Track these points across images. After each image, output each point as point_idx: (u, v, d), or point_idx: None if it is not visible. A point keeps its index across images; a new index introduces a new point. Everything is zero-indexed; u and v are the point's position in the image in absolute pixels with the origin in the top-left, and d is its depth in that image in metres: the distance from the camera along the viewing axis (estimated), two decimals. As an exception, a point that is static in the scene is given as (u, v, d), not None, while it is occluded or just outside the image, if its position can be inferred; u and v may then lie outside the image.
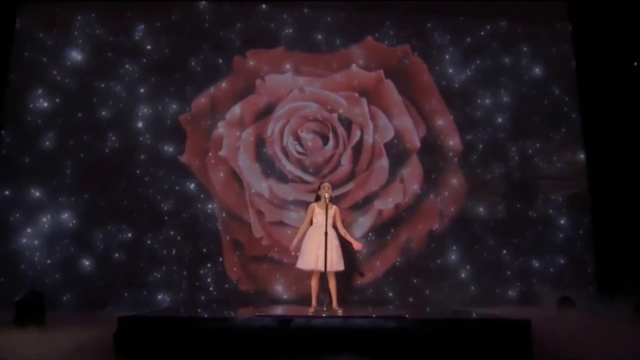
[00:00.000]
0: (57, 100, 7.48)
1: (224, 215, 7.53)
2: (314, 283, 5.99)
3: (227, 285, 7.33)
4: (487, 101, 7.99)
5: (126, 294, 7.08)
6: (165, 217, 7.41)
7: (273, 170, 7.65)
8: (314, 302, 5.94)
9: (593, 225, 7.55)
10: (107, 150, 7.45)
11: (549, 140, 7.94)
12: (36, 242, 7.09)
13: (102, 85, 7.59)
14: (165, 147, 7.58)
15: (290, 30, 7.99)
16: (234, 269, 7.40)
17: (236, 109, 7.75)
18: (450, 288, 7.47)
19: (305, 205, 7.52)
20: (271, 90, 7.85)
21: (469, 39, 8.11)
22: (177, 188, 7.51)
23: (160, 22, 7.81)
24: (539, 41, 8.13)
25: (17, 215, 7.12)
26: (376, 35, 8.06)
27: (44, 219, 7.19)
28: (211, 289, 7.29)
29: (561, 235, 7.67)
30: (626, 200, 7.20)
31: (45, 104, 7.47)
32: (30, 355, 4.11)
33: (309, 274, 7.31)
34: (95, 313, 6.41)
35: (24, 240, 7.07)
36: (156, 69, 7.71)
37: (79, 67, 7.60)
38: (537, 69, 8.07)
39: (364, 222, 7.63)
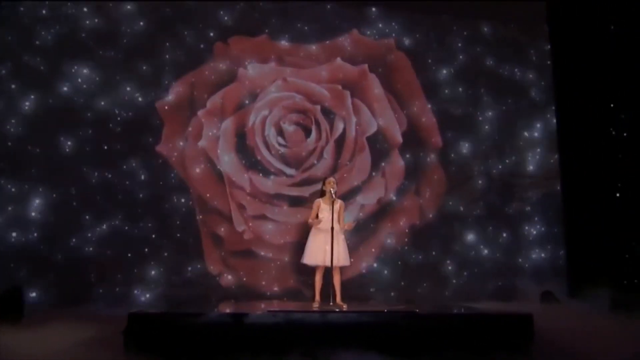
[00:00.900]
0: (25, 84, 6.96)
1: (203, 208, 7.27)
2: (318, 278, 5.96)
3: (207, 281, 7.11)
4: (468, 99, 8.08)
5: (100, 290, 6.73)
6: (141, 210, 7.07)
7: (254, 162, 7.45)
8: (317, 297, 5.92)
9: (565, 222, 7.82)
10: (79, 139, 7.02)
11: (526, 140, 8.15)
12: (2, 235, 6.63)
13: (74, 70, 7.12)
14: (141, 136, 7.22)
15: (274, 20, 7.77)
16: (215, 263, 7.18)
17: (217, 98, 7.48)
18: (430, 283, 7.56)
19: (287, 199, 7.47)
20: (253, 80, 7.62)
21: (451, 37, 8.15)
22: (154, 179, 7.18)
23: (138, 2, 7.38)
24: (518, 42, 8.28)
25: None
26: (362, 28, 7.97)
27: (9, 208, 6.71)
28: (191, 284, 7.04)
29: (535, 232, 7.92)
30: (598, 199, 7.50)
31: (13, 86, 6.92)
32: (37, 354, 3.94)
33: (291, 268, 7.31)
34: (70, 310, 6.10)
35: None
36: (132, 53, 7.30)
37: (49, 49, 7.08)
38: (516, 70, 8.23)
39: (346, 217, 7.56)
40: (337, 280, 5.79)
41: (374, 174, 7.71)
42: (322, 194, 6.02)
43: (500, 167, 8.05)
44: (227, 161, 7.37)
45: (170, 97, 7.35)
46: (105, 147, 7.07)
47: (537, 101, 8.22)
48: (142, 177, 7.14)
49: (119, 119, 7.17)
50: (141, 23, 7.38)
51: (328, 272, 5.95)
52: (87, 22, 7.24)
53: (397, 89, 7.94)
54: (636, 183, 7.19)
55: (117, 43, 7.28)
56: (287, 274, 7.33)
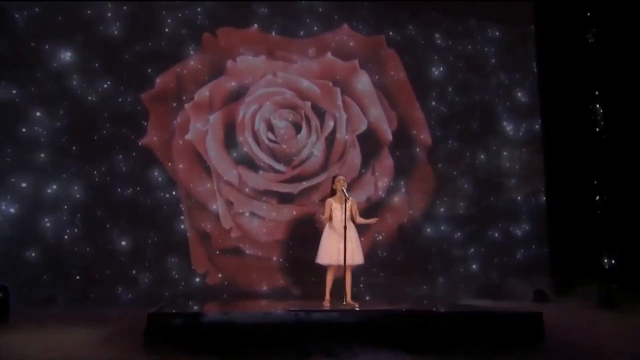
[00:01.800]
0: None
1: (189, 204, 7.01)
2: (330, 277, 5.84)
3: (193, 279, 6.87)
4: (457, 98, 8.10)
5: (81, 289, 6.39)
6: (124, 205, 6.75)
7: (243, 157, 7.24)
8: (327, 296, 5.80)
9: (550, 221, 7.95)
10: (57, 130, 6.65)
11: (511, 140, 8.23)
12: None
13: (54, 57, 6.72)
14: (124, 128, 6.89)
15: (265, 10, 7.56)
16: (201, 262, 6.93)
17: (205, 91, 7.23)
18: (419, 282, 7.54)
19: (277, 195, 7.30)
20: (243, 73, 7.41)
21: (441, 35, 8.13)
22: (138, 173, 6.87)
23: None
24: (505, 43, 8.35)
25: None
26: (353, 23, 7.86)
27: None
28: (176, 283, 6.78)
29: (520, 231, 8.01)
30: (581, 198, 7.66)
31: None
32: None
33: (279, 267, 7.16)
34: (52, 309, 5.81)
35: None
36: (117, 41, 6.95)
37: (27, 35, 6.67)
38: (503, 70, 8.30)
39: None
40: (348, 279, 5.70)
41: (363, 171, 7.63)
42: (332, 193, 5.89)
43: (486, 166, 8.10)
44: (215, 156, 7.14)
45: (156, 87, 7.05)
46: (85, 140, 6.71)
47: (523, 102, 8.31)
48: (125, 170, 6.81)
49: (100, 109, 6.81)
50: (125, 8, 7.03)
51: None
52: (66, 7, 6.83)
53: (387, 86, 7.88)
54: (619, 183, 7.36)
55: (98, 30, 6.91)
56: (276, 272, 7.16)
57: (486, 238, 7.89)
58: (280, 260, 7.18)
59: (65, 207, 6.55)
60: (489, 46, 8.29)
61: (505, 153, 8.18)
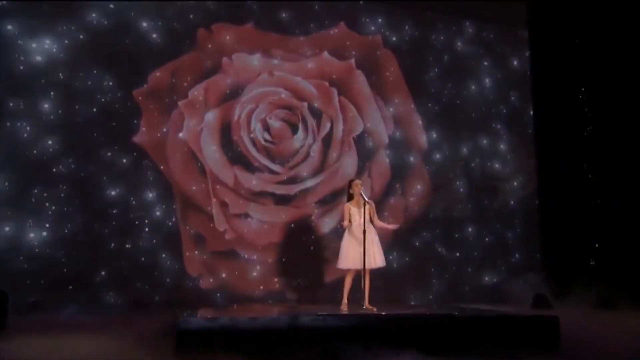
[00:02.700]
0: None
1: (183, 205, 6.78)
2: (348, 281, 5.76)
3: (186, 283, 6.64)
4: (451, 101, 8.09)
5: (67, 294, 6.07)
6: (114, 206, 6.47)
7: (239, 157, 7.04)
8: (345, 299, 5.73)
9: (543, 225, 8.01)
10: (41, 126, 6.31)
11: (506, 143, 8.27)
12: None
13: (38, 49, 6.38)
14: (115, 124, 6.61)
15: (261, 8, 7.38)
16: (194, 264, 6.70)
17: (199, 88, 7.01)
18: (414, 285, 7.49)
19: (273, 197, 7.13)
20: (238, 71, 7.21)
21: (436, 36, 8.11)
22: (129, 172, 6.60)
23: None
24: (499, 46, 8.39)
25: None
26: (350, 22, 7.75)
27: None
28: (168, 287, 6.53)
29: (514, 234, 8.05)
30: (574, 201, 7.73)
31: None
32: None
33: (274, 270, 6.99)
34: (35, 316, 5.48)
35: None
36: (107, 35, 6.65)
37: (10, 28, 6.29)
38: (497, 74, 8.33)
39: (331, 218, 7.34)
40: (367, 284, 5.61)
41: (360, 174, 7.52)
42: (349, 197, 5.77)
43: (481, 169, 8.11)
44: (211, 155, 6.93)
45: (150, 84, 6.79)
46: (73, 136, 6.40)
47: (516, 105, 8.35)
48: (116, 169, 6.53)
49: (91, 105, 6.51)
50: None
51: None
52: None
53: (383, 87, 7.81)
54: (613, 184, 7.45)
55: (90, 23, 6.61)
56: (271, 276, 6.99)
57: (481, 241, 7.89)
58: (276, 263, 7.00)
59: (52, 205, 6.22)
60: (483, 48, 8.30)
61: (499, 156, 8.20)
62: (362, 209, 5.56)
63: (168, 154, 6.79)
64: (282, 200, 7.14)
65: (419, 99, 7.94)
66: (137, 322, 4.93)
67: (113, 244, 6.42)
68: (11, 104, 6.21)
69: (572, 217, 7.70)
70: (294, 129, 7.31)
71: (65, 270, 6.15)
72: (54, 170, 6.29)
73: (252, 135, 7.11)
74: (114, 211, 6.47)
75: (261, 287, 6.90)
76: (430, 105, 7.98)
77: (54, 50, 6.42)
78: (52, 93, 6.37)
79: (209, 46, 7.10)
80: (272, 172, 7.14)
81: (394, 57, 7.89)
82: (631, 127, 7.33)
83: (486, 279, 7.77)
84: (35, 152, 6.23)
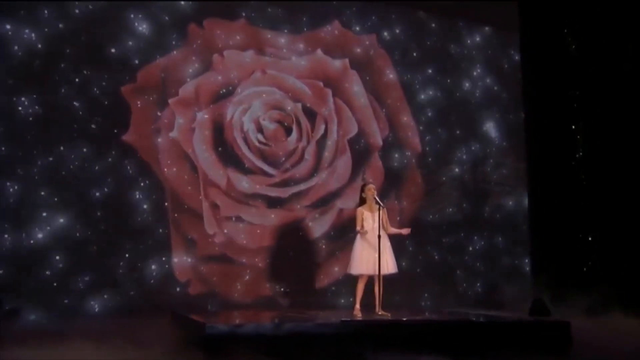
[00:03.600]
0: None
1: (172, 206, 6.52)
2: (361, 287, 5.64)
3: (174, 289, 6.39)
4: (443, 103, 8.01)
5: (51, 300, 5.76)
6: (99, 207, 6.16)
7: (232, 158, 6.81)
8: (357, 305, 5.61)
9: (533, 230, 8.02)
10: (25, 121, 5.96)
11: (497, 147, 8.24)
12: None
13: (20, 41, 6.02)
14: (102, 121, 6.30)
15: (254, 4, 7.16)
16: (183, 269, 6.45)
17: (190, 86, 6.75)
18: (407, 290, 7.37)
19: (266, 199, 6.93)
20: (230, 68, 6.98)
21: (429, 38, 8.02)
22: (116, 172, 6.30)
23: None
24: (491, 48, 8.35)
25: None
26: (344, 20, 7.59)
27: None
28: (155, 292, 6.27)
29: (504, 239, 8.04)
30: (564, 206, 7.75)
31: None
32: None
33: (267, 275, 6.81)
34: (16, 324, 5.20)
35: None
36: (94, 27, 6.33)
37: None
38: (489, 76, 8.29)
39: (323, 221, 7.19)
40: (380, 290, 5.52)
41: (354, 177, 7.38)
42: (361, 201, 5.63)
43: (473, 172, 8.07)
44: (202, 155, 6.68)
45: (138, 80, 6.49)
46: (58, 133, 6.08)
47: (508, 109, 8.34)
48: (102, 169, 6.22)
49: (77, 103, 6.19)
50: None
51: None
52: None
53: (378, 88, 7.68)
54: (603, 189, 7.49)
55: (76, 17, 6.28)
56: (261, 282, 6.79)
57: (474, 246, 7.85)
58: (267, 267, 6.81)
59: (38, 206, 5.89)
60: (476, 49, 8.25)
61: (491, 160, 8.18)
62: (376, 214, 5.48)
63: (158, 154, 6.52)
64: (275, 202, 6.94)
65: (413, 100, 7.84)
66: (135, 329, 4.81)
67: (96, 247, 6.10)
68: None
69: (563, 221, 7.71)
70: (288, 131, 7.11)
71: (48, 273, 5.83)
72: (35, 170, 5.96)
73: (245, 136, 6.89)
74: (100, 212, 6.18)
75: (251, 293, 6.69)
76: (423, 106, 7.89)
77: (33, 39, 6.07)
78: (33, 87, 6.03)
79: (200, 41, 6.84)
80: (265, 174, 6.94)
81: (388, 57, 7.77)
82: (623, 128, 7.38)
83: (480, 284, 7.72)
84: (14, 147, 5.89)
